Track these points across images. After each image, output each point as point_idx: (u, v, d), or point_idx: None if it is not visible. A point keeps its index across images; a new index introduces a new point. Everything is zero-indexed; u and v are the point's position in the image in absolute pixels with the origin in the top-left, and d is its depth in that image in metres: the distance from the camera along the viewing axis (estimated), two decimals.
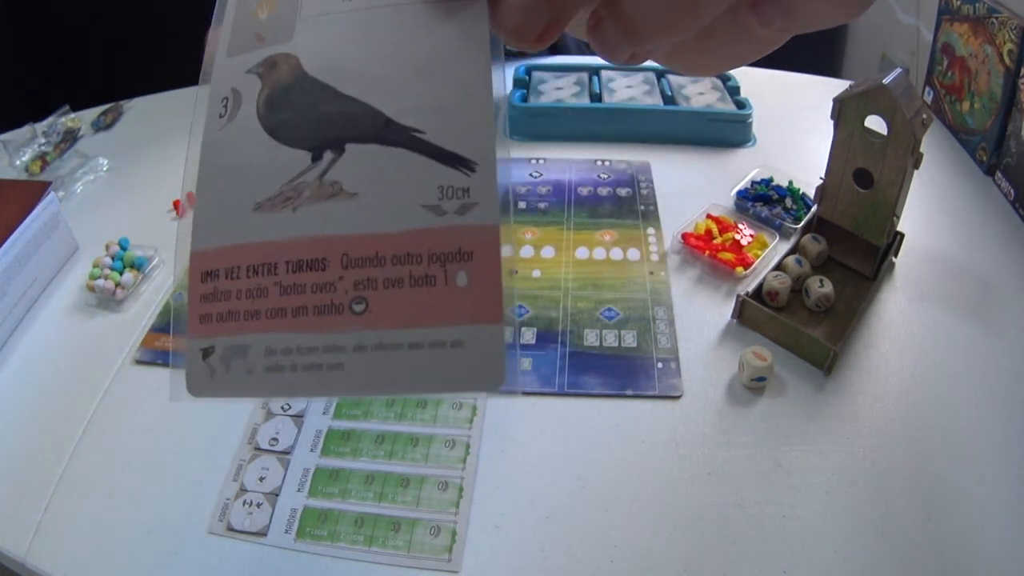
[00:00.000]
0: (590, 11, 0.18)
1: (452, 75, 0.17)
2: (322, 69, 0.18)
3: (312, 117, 0.18)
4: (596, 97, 0.85)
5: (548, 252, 0.67)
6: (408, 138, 0.17)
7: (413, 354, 0.16)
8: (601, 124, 0.83)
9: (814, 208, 0.63)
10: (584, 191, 0.75)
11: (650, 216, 0.72)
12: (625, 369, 0.55)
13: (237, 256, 0.18)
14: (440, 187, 0.17)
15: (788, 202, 0.70)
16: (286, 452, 0.50)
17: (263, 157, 0.18)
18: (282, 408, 0.53)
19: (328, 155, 0.17)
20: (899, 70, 0.54)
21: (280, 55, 0.18)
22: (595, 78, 0.90)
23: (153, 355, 0.59)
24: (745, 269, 0.63)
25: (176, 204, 0.75)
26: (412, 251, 0.17)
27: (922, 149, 0.53)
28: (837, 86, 0.64)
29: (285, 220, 0.17)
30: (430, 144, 0.17)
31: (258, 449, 0.51)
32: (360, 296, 0.17)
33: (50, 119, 0.89)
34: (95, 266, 0.66)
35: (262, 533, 0.46)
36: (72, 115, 0.91)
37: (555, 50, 1.06)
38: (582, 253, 0.67)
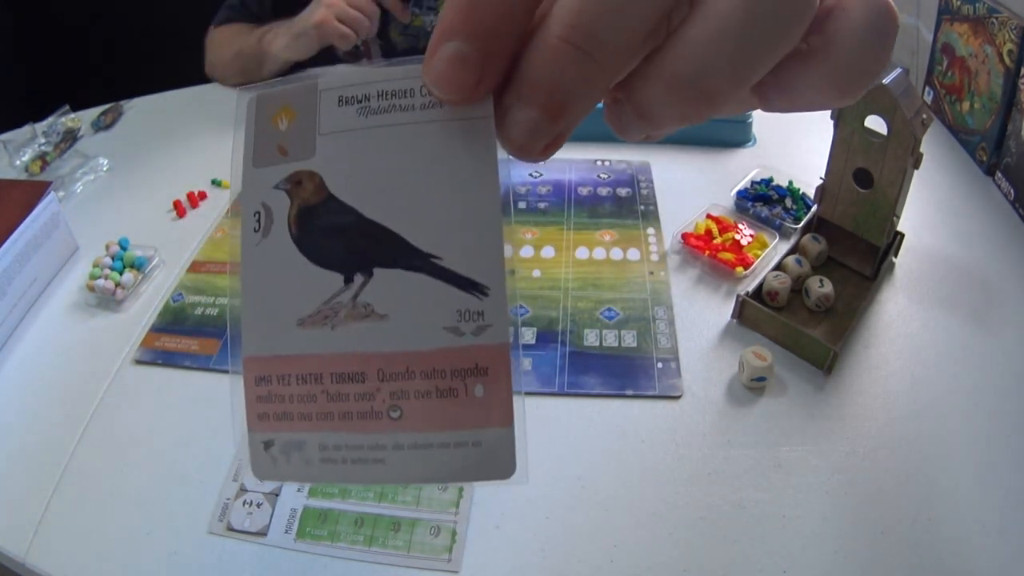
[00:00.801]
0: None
1: (465, 198, 0.20)
2: (345, 190, 0.20)
3: (341, 241, 0.20)
4: None
5: (548, 252, 0.67)
6: (428, 264, 0.20)
7: (441, 452, 0.20)
8: (601, 124, 0.81)
9: (814, 208, 0.63)
10: (584, 191, 0.75)
11: (650, 216, 0.72)
12: (625, 369, 0.55)
13: (286, 366, 0.20)
14: (458, 311, 0.19)
15: (788, 202, 0.70)
16: None
17: (300, 277, 0.20)
18: None
19: (359, 278, 0.20)
20: (899, 70, 0.54)
21: (304, 172, 0.20)
22: None
23: (153, 355, 0.59)
24: (745, 269, 0.63)
25: (176, 204, 0.75)
26: (437, 367, 0.19)
27: (922, 149, 0.53)
28: None
29: (326, 337, 0.20)
30: (447, 271, 0.19)
31: None
32: (396, 405, 0.20)
33: (50, 119, 0.89)
34: (95, 266, 0.66)
35: (262, 533, 0.46)
36: (72, 115, 0.91)
37: None
38: (582, 253, 0.67)
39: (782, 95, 0.19)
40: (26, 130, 0.86)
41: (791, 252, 0.61)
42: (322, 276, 0.20)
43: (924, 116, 0.53)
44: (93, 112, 0.95)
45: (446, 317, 0.19)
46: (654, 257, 0.66)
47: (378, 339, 0.20)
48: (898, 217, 0.58)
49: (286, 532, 0.46)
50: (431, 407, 0.20)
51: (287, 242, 0.21)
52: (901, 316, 0.59)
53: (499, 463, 0.19)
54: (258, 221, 0.21)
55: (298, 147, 0.21)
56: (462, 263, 0.19)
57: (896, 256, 0.64)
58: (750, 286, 0.59)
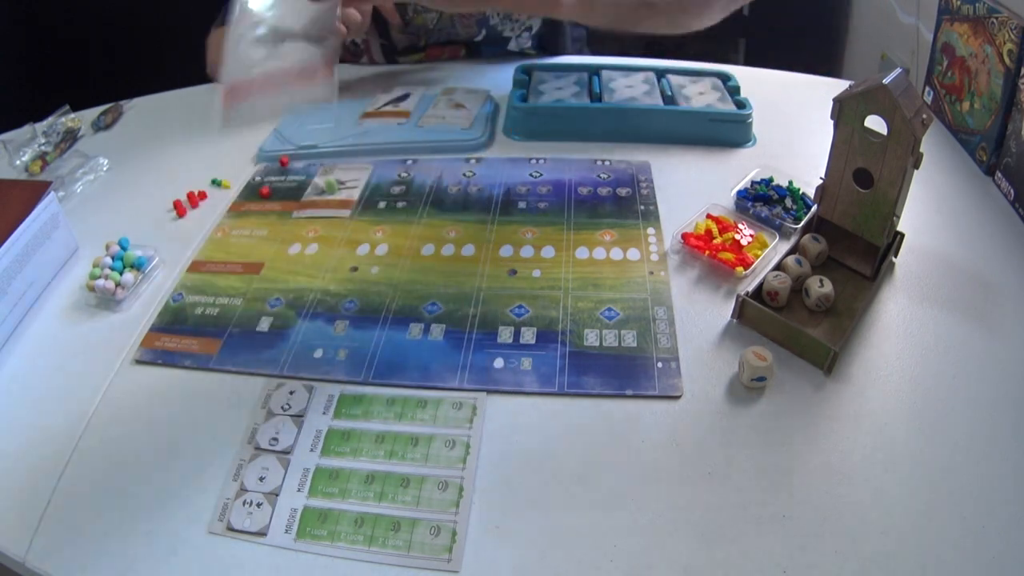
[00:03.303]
0: None
1: None
2: None
3: None
4: (596, 97, 0.85)
5: (548, 252, 0.67)
6: None
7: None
8: (601, 124, 0.83)
9: (814, 208, 0.63)
10: (584, 191, 0.75)
11: (650, 216, 0.72)
12: (625, 369, 0.55)
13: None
14: None
15: (788, 202, 0.70)
16: (286, 452, 0.50)
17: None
18: (282, 408, 0.53)
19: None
20: (899, 70, 0.54)
21: None
22: (595, 78, 0.90)
23: (153, 355, 0.59)
24: (745, 269, 0.63)
25: (176, 204, 0.75)
26: None
27: (922, 149, 0.53)
28: (837, 86, 0.64)
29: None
30: None
31: (258, 449, 0.51)
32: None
33: (50, 119, 0.89)
34: (95, 266, 0.66)
35: (262, 533, 0.46)
36: (72, 115, 0.91)
37: (554, 51, 1.06)
38: (582, 253, 0.67)
39: None
40: (26, 130, 0.86)
41: (791, 252, 0.61)
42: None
43: (924, 116, 0.53)
44: (93, 112, 0.95)
45: None
46: (654, 257, 0.66)
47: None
48: (898, 217, 0.58)
49: (286, 532, 0.46)
50: None
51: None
52: (901, 316, 0.59)
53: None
54: None
55: None
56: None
57: (896, 256, 0.64)
58: (750, 286, 0.59)
